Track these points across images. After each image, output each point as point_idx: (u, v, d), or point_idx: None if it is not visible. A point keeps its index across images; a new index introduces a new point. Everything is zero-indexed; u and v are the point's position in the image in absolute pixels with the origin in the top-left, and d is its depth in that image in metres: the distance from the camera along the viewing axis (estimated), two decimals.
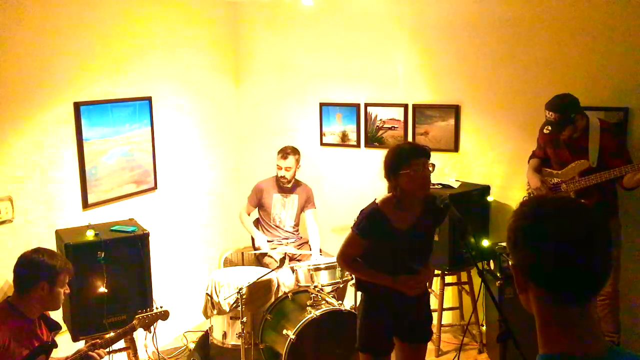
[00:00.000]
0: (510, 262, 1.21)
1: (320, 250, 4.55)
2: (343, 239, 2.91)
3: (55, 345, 2.79)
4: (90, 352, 2.80)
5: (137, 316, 3.08)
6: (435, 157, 4.53)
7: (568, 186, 3.69)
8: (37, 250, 2.76)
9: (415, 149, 2.79)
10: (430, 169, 2.76)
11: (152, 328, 3.20)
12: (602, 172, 3.51)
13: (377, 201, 2.84)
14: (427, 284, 3.08)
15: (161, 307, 3.18)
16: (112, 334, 2.99)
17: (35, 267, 2.67)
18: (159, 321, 3.21)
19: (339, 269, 3.93)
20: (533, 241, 1.14)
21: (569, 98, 3.58)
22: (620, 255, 3.66)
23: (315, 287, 3.90)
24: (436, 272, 4.31)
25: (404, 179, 2.71)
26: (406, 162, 2.70)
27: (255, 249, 4.64)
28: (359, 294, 3.13)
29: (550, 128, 3.60)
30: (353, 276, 3.90)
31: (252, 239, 4.70)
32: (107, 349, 2.99)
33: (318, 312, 3.65)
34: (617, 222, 3.67)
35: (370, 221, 2.78)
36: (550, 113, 3.57)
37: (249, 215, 4.76)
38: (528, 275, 1.16)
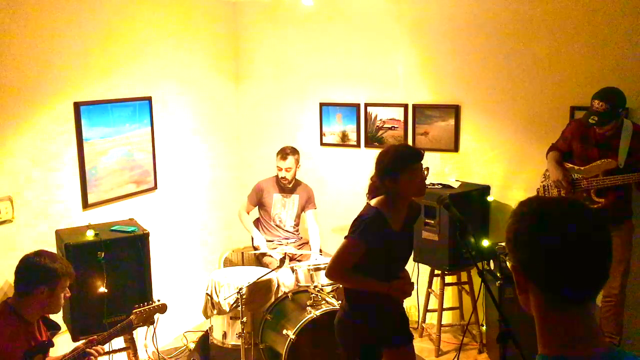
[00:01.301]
0: (509, 263, 1.22)
1: (321, 250, 4.55)
2: (336, 251, 2.79)
3: (51, 344, 2.78)
4: (88, 349, 2.79)
5: (134, 311, 3.05)
6: (435, 157, 4.58)
7: (590, 183, 3.63)
8: (39, 254, 2.73)
9: (413, 152, 2.77)
10: (425, 172, 2.78)
11: (150, 323, 3.16)
12: (630, 175, 3.46)
13: (373, 204, 2.78)
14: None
15: (159, 301, 3.14)
16: (110, 330, 2.98)
17: (36, 270, 2.65)
18: (159, 321, 3.21)
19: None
20: (532, 242, 1.14)
21: (620, 92, 3.51)
22: (631, 257, 3.64)
23: (315, 287, 3.90)
24: (436, 272, 4.32)
25: (403, 183, 2.69)
26: (407, 166, 2.69)
27: (254, 248, 4.65)
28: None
29: (596, 119, 3.46)
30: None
31: (252, 238, 4.71)
32: (106, 346, 2.98)
33: (318, 312, 3.65)
34: (630, 224, 3.64)
35: (375, 226, 2.70)
36: (601, 103, 3.45)
37: (248, 214, 4.76)
38: (527, 276, 1.16)
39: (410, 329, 3.06)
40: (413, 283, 2.90)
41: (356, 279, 2.79)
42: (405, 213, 2.82)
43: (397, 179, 2.68)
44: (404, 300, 2.98)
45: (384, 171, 2.73)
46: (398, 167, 2.69)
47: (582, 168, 3.69)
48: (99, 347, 2.83)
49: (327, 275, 2.89)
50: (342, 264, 2.76)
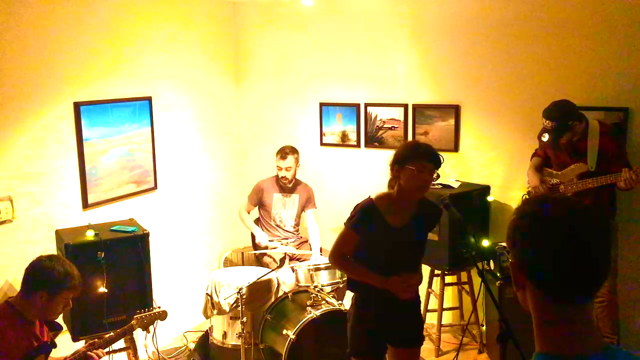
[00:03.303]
0: (509, 260, 1.21)
1: (321, 250, 4.55)
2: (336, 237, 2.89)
3: (54, 345, 2.79)
4: (89, 352, 2.80)
5: (135, 316, 3.09)
6: None
7: (566, 188, 3.70)
8: (52, 258, 2.73)
9: (429, 152, 2.76)
10: (434, 176, 2.77)
11: (151, 328, 3.20)
12: (599, 177, 3.52)
13: (372, 196, 2.83)
14: (420, 288, 3.04)
15: (159, 308, 3.18)
16: (111, 333, 2.99)
17: (42, 274, 2.64)
18: (159, 321, 3.21)
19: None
20: (532, 240, 1.14)
21: (565, 105, 3.57)
22: (617, 257, 3.66)
23: (315, 287, 3.90)
24: (436, 272, 4.32)
25: (405, 173, 2.70)
26: (416, 160, 2.69)
27: (255, 246, 4.64)
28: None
29: (547, 136, 3.60)
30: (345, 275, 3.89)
31: (252, 237, 4.70)
32: (107, 349, 2.98)
33: (318, 312, 3.65)
34: (614, 224, 3.67)
35: (364, 215, 2.77)
36: (547, 122, 3.56)
37: (248, 213, 4.76)
38: (526, 274, 1.16)
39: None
40: (413, 285, 2.84)
41: (353, 268, 2.86)
42: (413, 212, 2.81)
43: (402, 167, 2.71)
44: (418, 302, 2.98)
45: (397, 156, 2.78)
46: (409, 155, 2.72)
47: (559, 173, 3.76)
48: (99, 351, 2.83)
49: (329, 260, 2.96)
50: (339, 250, 2.85)
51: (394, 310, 2.83)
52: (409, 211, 2.81)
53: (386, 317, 2.84)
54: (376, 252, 2.79)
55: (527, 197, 3.97)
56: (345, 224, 2.83)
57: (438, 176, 2.79)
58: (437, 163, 2.75)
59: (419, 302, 3.02)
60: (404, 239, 2.80)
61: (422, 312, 4.50)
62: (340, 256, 2.86)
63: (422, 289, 4.41)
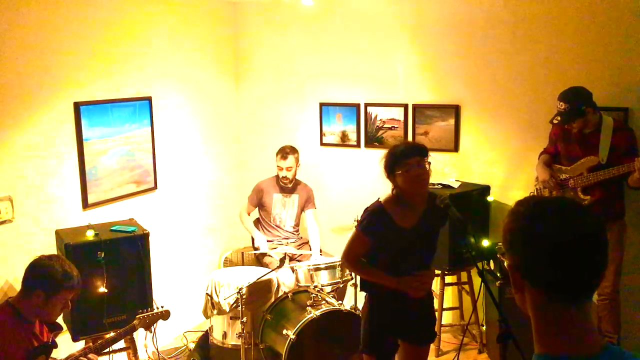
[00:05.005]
0: (505, 262, 1.21)
1: (321, 250, 4.55)
2: (348, 238, 2.92)
3: (55, 345, 2.78)
4: (82, 358, 2.78)
5: (137, 316, 3.08)
6: (435, 157, 4.56)
7: (576, 182, 3.67)
8: (52, 258, 2.72)
9: (408, 148, 2.81)
10: (427, 166, 2.77)
11: (152, 328, 3.20)
12: (610, 168, 3.49)
13: (380, 200, 2.86)
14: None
15: (162, 307, 3.17)
16: (112, 334, 2.99)
17: (40, 273, 2.63)
18: (160, 321, 3.21)
19: (339, 269, 3.93)
20: (528, 241, 1.14)
21: (580, 89, 3.58)
22: (623, 256, 3.65)
23: (315, 287, 3.90)
24: (436, 272, 4.31)
25: (399, 179, 2.74)
26: (400, 162, 2.73)
27: (254, 248, 4.64)
28: (360, 294, 3.12)
29: (559, 118, 3.58)
30: (355, 276, 3.91)
31: (252, 239, 4.70)
32: (108, 349, 2.98)
33: (318, 312, 3.65)
34: (622, 223, 3.65)
35: (374, 219, 2.80)
36: (561, 103, 3.56)
37: (249, 215, 4.76)
38: (523, 275, 1.16)
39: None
40: (427, 283, 2.91)
41: (366, 270, 2.91)
42: (422, 210, 2.83)
43: (394, 175, 2.76)
44: (430, 300, 3.04)
45: (384, 169, 2.82)
46: (392, 163, 2.77)
47: (568, 168, 3.74)
48: (92, 355, 2.80)
49: (342, 261, 3.04)
50: (351, 253, 2.90)
51: (407, 308, 2.87)
52: (418, 210, 2.83)
53: (399, 316, 2.88)
54: (387, 254, 2.83)
55: (534, 194, 3.94)
56: (355, 226, 2.89)
57: (430, 164, 2.80)
58: (421, 152, 2.77)
59: (432, 299, 3.08)
60: (415, 239, 2.82)
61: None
62: (353, 258, 2.90)
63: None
